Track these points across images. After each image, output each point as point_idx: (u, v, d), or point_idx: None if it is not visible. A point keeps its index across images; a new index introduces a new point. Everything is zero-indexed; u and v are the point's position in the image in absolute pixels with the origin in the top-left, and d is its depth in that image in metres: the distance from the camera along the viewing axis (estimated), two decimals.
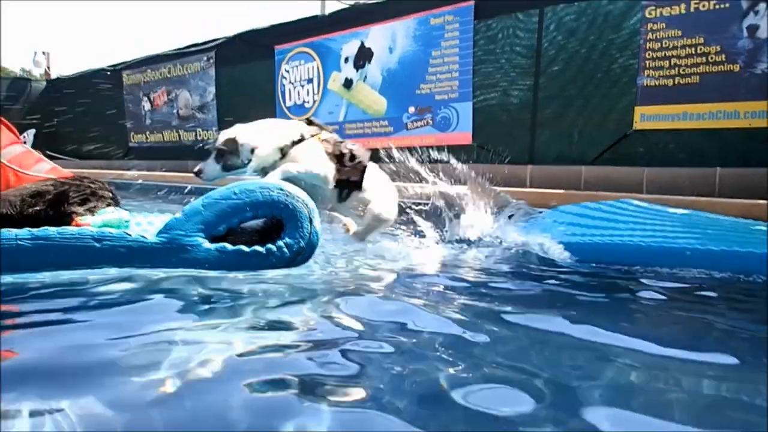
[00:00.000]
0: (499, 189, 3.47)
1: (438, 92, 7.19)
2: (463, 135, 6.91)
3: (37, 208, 2.15)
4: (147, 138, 12.02)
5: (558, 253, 2.61)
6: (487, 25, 6.61)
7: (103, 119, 12.84)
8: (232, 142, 2.47)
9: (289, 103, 9.07)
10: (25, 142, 2.69)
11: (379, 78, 7.85)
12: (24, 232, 1.88)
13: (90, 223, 2.07)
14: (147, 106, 11.90)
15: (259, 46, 9.34)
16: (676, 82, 5.28)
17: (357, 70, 8.11)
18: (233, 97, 9.93)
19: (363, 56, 8.02)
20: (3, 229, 1.89)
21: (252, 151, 2.47)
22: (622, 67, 5.60)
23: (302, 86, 8.83)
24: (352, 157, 2.64)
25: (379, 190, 2.79)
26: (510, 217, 3.26)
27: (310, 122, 2.70)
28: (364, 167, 2.68)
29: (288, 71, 9.00)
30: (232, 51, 9.95)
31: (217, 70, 10.27)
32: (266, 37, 9.22)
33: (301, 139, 2.54)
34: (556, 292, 2.12)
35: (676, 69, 5.26)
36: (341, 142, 2.67)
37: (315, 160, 2.53)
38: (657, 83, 5.39)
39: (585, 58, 5.79)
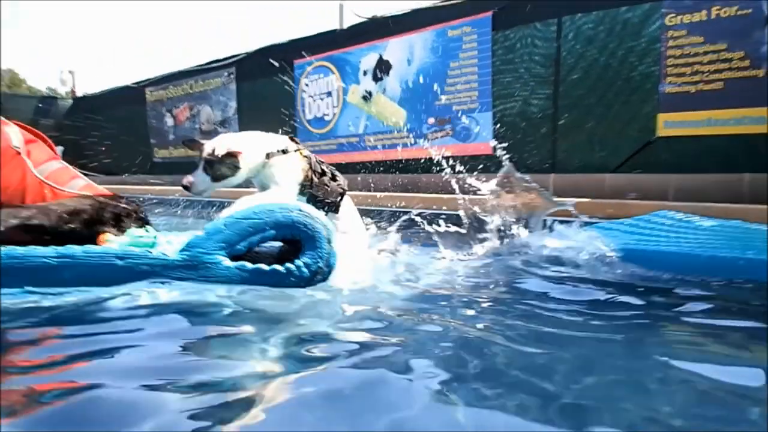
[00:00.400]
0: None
1: (457, 103, 7.21)
2: (484, 145, 6.92)
3: (72, 226, 2.22)
4: (170, 153, 12.23)
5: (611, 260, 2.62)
6: (505, 35, 6.63)
7: (127, 135, 13.11)
8: (217, 150, 2.45)
9: (309, 117, 9.17)
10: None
11: (398, 90, 7.91)
12: (50, 250, 1.93)
13: (116, 244, 2.12)
14: (170, 121, 12.12)
15: (279, 61, 9.48)
16: (699, 88, 5.23)
17: (376, 83, 8.18)
18: (254, 112, 10.08)
19: (381, 69, 8.09)
20: (30, 247, 1.94)
21: (235, 157, 2.43)
22: (642, 74, 5.57)
23: (322, 99, 8.93)
24: (333, 177, 2.67)
25: (355, 225, 2.79)
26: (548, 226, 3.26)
27: (292, 140, 2.68)
28: (344, 191, 2.70)
29: (308, 85, 9.11)
30: (252, 66, 10.11)
31: (238, 85, 10.44)
32: (285, 51, 9.36)
33: (285, 151, 2.53)
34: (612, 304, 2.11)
35: (699, 75, 5.21)
36: (322, 162, 2.69)
37: (289, 175, 2.53)
38: (680, 90, 5.34)
39: (605, 66, 5.77)
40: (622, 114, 5.72)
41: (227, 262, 2.05)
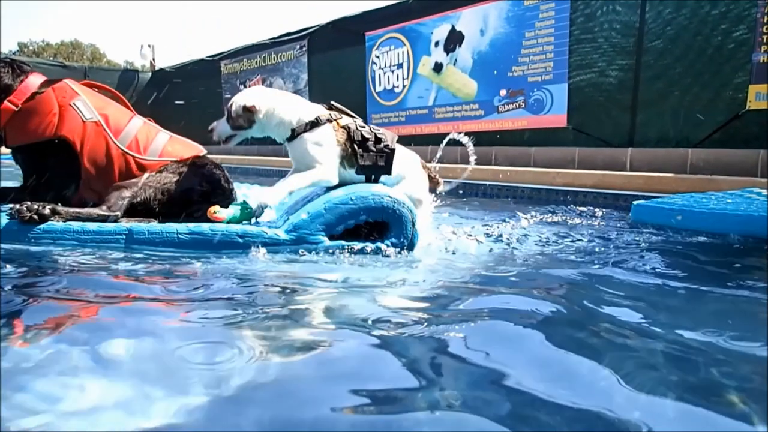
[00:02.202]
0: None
1: (531, 74, 7.07)
2: (558, 117, 6.78)
3: (164, 208, 2.42)
4: None
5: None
6: (586, 2, 6.41)
7: (202, 107, 13.65)
8: (237, 102, 2.48)
9: (379, 89, 9.24)
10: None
11: (469, 61, 7.83)
12: (183, 227, 2.16)
13: (224, 216, 2.30)
14: None
15: (350, 33, 9.56)
16: None
17: (447, 54, 8.12)
18: (325, 84, 10.25)
19: (453, 40, 8.02)
20: (167, 224, 2.17)
21: (251, 111, 2.44)
22: (735, 41, 5.27)
23: (392, 71, 8.96)
24: (377, 140, 2.52)
25: (410, 173, 2.68)
26: None
27: (331, 107, 2.59)
28: (392, 150, 2.55)
29: (378, 57, 9.16)
30: (324, 38, 10.25)
31: (309, 57, 10.63)
32: (357, 23, 9.42)
33: (316, 123, 2.45)
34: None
35: None
36: (363, 127, 2.55)
37: (324, 152, 2.44)
38: None
39: (694, 32, 5.49)
40: (710, 85, 5.45)
41: (327, 241, 2.31)
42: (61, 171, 2.50)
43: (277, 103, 2.49)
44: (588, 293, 1.79)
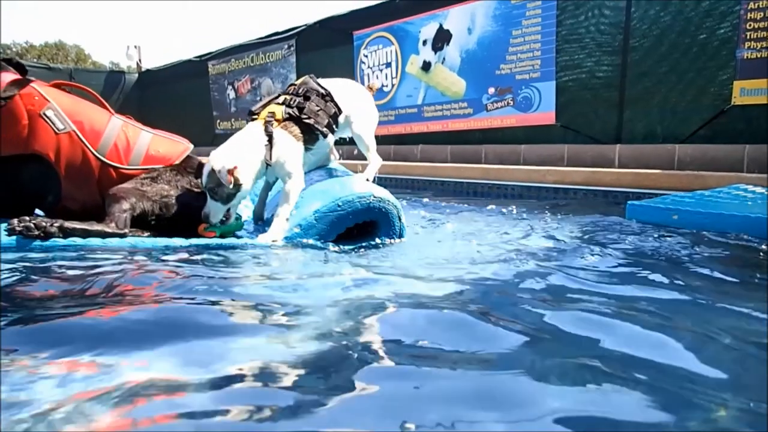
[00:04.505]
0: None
1: (519, 72, 7.12)
2: (546, 115, 6.83)
3: (162, 221, 2.37)
4: (232, 125, 12.61)
5: None
6: (574, 2, 6.46)
7: (190, 108, 13.58)
8: (213, 174, 2.29)
9: None
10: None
11: (457, 60, 7.86)
12: (186, 243, 2.20)
13: (216, 232, 2.34)
14: (231, 94, 12.47)
15: (338, 32, 9.55)
16: None
17: (435, 53, 8.15)
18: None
19: (441, 38, 8.05)
20: (172, 239, 2.16)
21: (231, 173, 2.28)
22: (720, 39, 5.34)
23: (381, 71, 8.98)
24: (306, 97, 2.51)
25: (355, 98, 2.71)
26: None
27: (251, 113, 2.53)
28: (327, 92, 2.57)
29: (366, 56, 9.17)
30: (312, 38, 10.23)
31: (297, 57, 10.60)
32: (345, 22, 9.42)
33: (270, 138, 2.39)
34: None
35: None
36: (296, 95, 2.53)
37: (292, 159, 2.44)
38: (759, 55, 5.11)
39: (679, 31, 5.56)
40: (695, 82, 5.52)
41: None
42: (37, 182, 2.38)
43: (240, 147, 2.40)
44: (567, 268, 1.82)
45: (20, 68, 2.46)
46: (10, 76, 2.35)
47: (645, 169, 5.32)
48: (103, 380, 1.01)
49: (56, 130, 2.31)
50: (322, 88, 2.60)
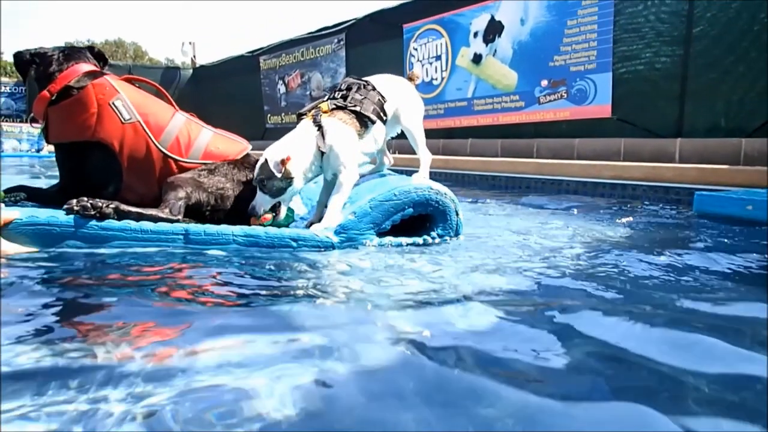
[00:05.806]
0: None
1: (573, 63, 6.92)
2: (602, 108, 6.62)
3: (217, 212, 2.40)
4: (282, 119, 12.82)
5: None
6: None
7: (242, 102, 13.88)
8: (265, 165, 2.29)
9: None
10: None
11: (509, 51, 7.72)
12: (238, 230, 2.19)
13: (269, 217, 2.34)
14: (282, 88, 12.67)
15: (388, 26, 9.54)
16: None
17: (486, 45, 8.03)
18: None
19: (493, 30, 7.91)
20: (223, 226, 2.19)
21: (284, 163, 2.27)
22: None
23: (430, 63, 8.91)
24: (361, 87, 2.51)
25: (401, 92, 2.66)
26: None
27: (300, 115, 2.51)
28: (367, 82, 2.55)
29: (416, 49, 9.12)
30: (361, 32, 10.26)
31: (347, 51, 10.66)
32: (395, 15, 9.40)
33: (320, 128, 2.38)
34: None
35: None
36: (339, 89, 2.53)
37: (347, 149, 2.41)
38: None
39: (750, 18, 5.26)
40: (764, 72, 5.22)
41: (376, 239, 2.35)
42: (100, 172, 2.45)
43: (294, 140, 2.40)
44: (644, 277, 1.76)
45: (101, 57, 2.56)
46: (87, 66, 2.46)
47: (708, 164, 5.08)
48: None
49: (122, 120, 2.38)
50: (363, 80, 2.61)
